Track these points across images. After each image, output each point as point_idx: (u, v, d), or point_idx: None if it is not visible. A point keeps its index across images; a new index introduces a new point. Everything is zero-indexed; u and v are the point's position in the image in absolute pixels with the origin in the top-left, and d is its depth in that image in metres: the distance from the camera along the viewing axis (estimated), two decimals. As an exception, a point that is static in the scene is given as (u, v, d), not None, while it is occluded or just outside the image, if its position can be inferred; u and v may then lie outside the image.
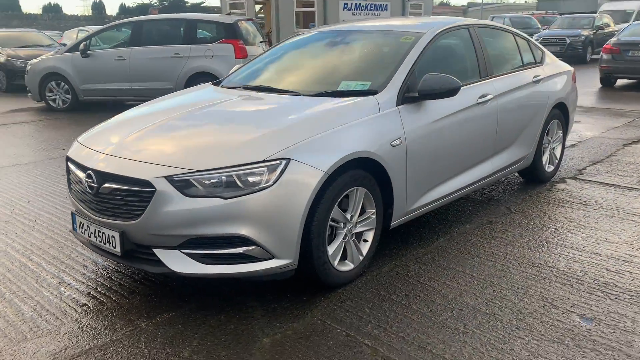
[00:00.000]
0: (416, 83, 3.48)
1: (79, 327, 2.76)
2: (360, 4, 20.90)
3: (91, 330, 2.74)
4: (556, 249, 3.65)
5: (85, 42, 9.66)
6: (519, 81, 4.52)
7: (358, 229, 3.21)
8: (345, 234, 3.11)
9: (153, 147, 2.96)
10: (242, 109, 3.50)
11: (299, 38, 4.51)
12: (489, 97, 4.07)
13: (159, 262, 2.76)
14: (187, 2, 42.76)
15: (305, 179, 2.78)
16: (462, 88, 3.86)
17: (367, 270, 3.33)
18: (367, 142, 3.10)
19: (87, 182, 2.95)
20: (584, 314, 2.83)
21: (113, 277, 3.31)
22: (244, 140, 2.89)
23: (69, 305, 2.98)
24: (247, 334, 2.69)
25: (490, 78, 4.20)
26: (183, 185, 2.67)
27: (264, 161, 2.72)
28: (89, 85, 9.75)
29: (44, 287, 3.20)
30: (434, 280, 3.21)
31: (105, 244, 2.90)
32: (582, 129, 7.74)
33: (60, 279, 3.29)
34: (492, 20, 29.40)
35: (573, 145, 6.71)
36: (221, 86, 4.09)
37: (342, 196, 3.00)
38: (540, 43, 19.62)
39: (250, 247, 2.71)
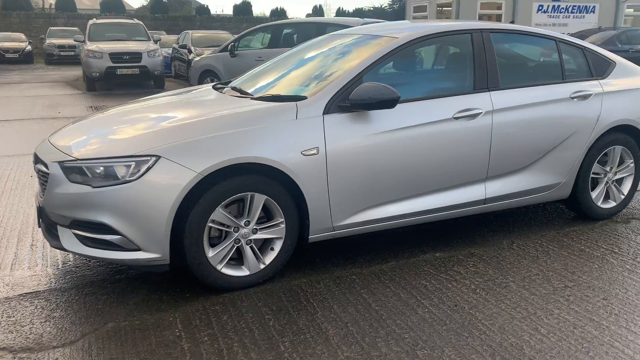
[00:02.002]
0: (361, 92, 3.25)
1: (-4, 282, 3.25)
2: (558, 5, 19.03)
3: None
4: (501, 297, 3.07)
5: (233, 44, 10.67)
6: (542, 96, 3.83)
7: (260, 236, 3.14)
8: (238, 239, 3.08)
9: (73, 136, 3.30)
10: (179, 108, 3.65)
11: (306, 43, 4.48)
12: (476, 111, 3.56)
13: (57, 237, 3.09)
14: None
15: (175, 177, 2.84)
16: (433, 100, 3.52)
17: (275, 279, 3.24)
18: (265, 148, 3.02)
19: (33, 161, 3.43)
20: (436, 372, 2.39)
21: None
22: (131, 135, 3.07)
23: (11, 262, 3.50)
24: (103, 315, 2.88)
25: (490, 91, 3.66)
26: (69, 171, 2.95)
27: (132, 156, 2.87)
28: (235, 82, 10.73)
29: (20, 245, 3.79)
30: (323, 304, 2.99)
31: (37, 215, 3.34)
32: None
33: (36, 242, 3.86)
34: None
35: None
36: (217, 86, 4.26)
37: (229, 200, 2.98)
38: None
39: (116, 236, 2.88)
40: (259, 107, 3.24)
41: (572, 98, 3.94)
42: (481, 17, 18.71)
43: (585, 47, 4.20)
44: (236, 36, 11.57)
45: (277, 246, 3.20)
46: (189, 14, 43.89)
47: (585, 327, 2.75)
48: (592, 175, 4.16)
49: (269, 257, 3.20)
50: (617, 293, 3.10)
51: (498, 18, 18.97)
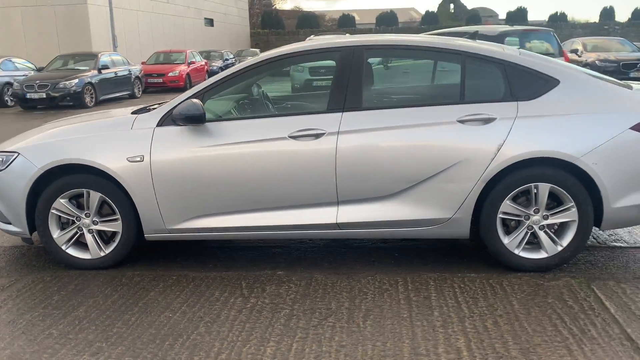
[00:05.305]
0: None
1: (-22, 236, 4.54)
2: None
3: (-24, 239, 4.47)
4: (237, 317, 2.99)
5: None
6: (414, 118, 3.39)
7: (101, 227, 3.71)
8: (81, 227, 3.71)
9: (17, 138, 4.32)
10: (88, 118, 4.33)
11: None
12: (318, 132, 3.42)
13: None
14: None
15: (25, 170, 3.65)
16: (270, 118, 3.60)
17: (124, 266, 3.76)
18: (93, 153, 3.56)
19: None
20: (75, 361, 2.66)
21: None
22: (25, 137, 3.94)
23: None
24: (5, 268, 3.85)
25: (344, 111, 3.45)
26: (-9, 159, 4.01)
27: (5, 151, 3.78)
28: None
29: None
30: (116, 293, 3.39)
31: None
32: None
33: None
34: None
35: None
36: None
37: (70, 193, 3.64)
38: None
39: (-2, 212, 3.84)
40: (112, 118, 3.82)
41: (461, 122, 3.37)
42: None
43: (508, 62, 3.47)
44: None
45: (117, 239, 3.72)
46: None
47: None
48: (504, 217, 3.45)
49: (110, 247, 3.74)
50: (357, 340, 2.71)
51: None
